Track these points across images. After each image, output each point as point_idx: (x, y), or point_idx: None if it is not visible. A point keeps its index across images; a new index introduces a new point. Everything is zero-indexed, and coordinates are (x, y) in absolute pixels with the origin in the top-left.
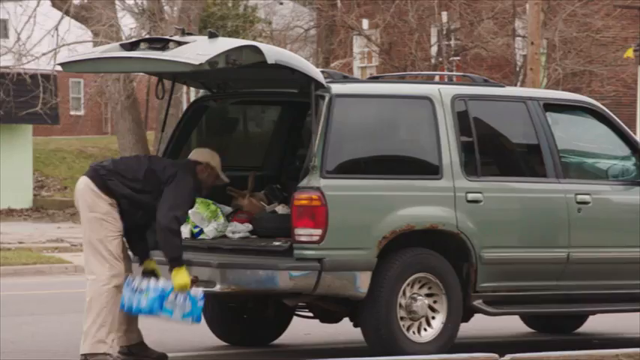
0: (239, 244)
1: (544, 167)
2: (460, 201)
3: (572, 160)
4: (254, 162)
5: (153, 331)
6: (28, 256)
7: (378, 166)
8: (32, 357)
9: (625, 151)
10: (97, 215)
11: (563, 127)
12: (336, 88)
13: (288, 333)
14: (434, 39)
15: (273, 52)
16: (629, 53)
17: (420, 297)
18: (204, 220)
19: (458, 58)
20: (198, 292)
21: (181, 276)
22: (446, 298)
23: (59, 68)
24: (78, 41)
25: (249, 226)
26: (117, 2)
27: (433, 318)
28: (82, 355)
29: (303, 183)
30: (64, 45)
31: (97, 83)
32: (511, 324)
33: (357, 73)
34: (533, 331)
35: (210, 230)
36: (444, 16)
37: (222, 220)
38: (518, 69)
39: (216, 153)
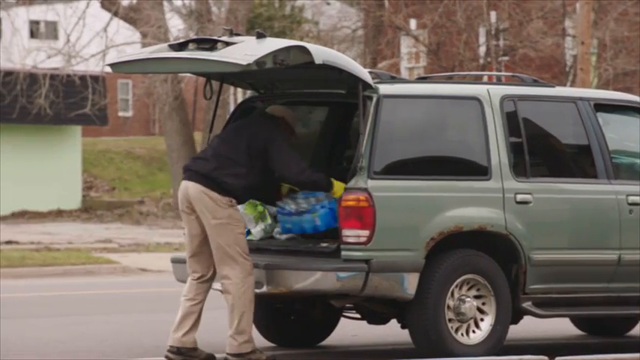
0: (286, 245)
1: (595, 168)
2: (509, 202)
3: (623, 160)
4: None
5: (200, 332)
6: (77, 256)
7: (425, 166)
8: (81, 357)
9: None
10: (221, 221)
11: (614, 128)
12: (384, 88)
13: (336, 334)
14: (482, 39)
15: (320, 52)
16: None
17: (469, 299)
18: (252, 221)
19: (506, 58)
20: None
21: (338, 186)
22: (494, 300)
23: (108, 69)
24: (126, 42)
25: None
26: (165, 3)
27: (482, 320)
28: (229, 354)
29: (351, 184)
30: (112, 46)
31: (145, 84)
32: (561, 326)
33: (404, 74)
34: (583, 333)
35: (257, 231)
36: (493, 15)
37: (269, 221)
38: (568, 69)
39: (290, 109)
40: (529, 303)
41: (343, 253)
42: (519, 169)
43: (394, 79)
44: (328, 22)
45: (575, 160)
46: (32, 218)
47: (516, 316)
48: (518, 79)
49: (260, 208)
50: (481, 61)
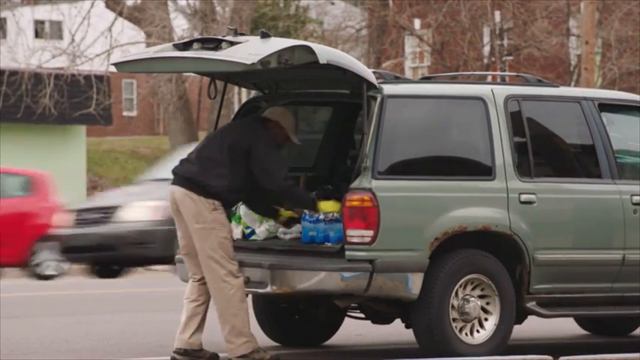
0: (290, 245)
1: (599, 168)
2: (513, 202)
3: (627, 160)
4: (305, 163)
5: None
6: None
7: (430, 167)
8: (85, 356)
9: None
10: (204, 226)
11: (618, 128)
12: (388, 88)
13: (340, 334)
14: (486, 39)
15: (325, 52)
16: None
17: (473, 298)
18: (256, 220)
19: (511, 57)
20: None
21: (325, 205)
22: (499, 300)
23: (113, 69)
24: (131, 42)
25: (301, 227)
26: (169, 3)
27: (486, 320)
28: (232, 358)
29: (355, 184)
30: (117, 46)
31: (150, 84)
32: (565, 326)
33: (408, 74)
34: (587, 333)
35: (261, 231)
36: (497, 15)
37: (273, 221)
38: (572, 69)
39: (292, 114)
40: (533, 303)
41: (347, 253)
42: (523, 169)
43: (398, 79)
44: (332, 22)
45: (580, 160)
46: None
47: (520, 316)
48: (523, 78)
49: None
50: (485, 60)
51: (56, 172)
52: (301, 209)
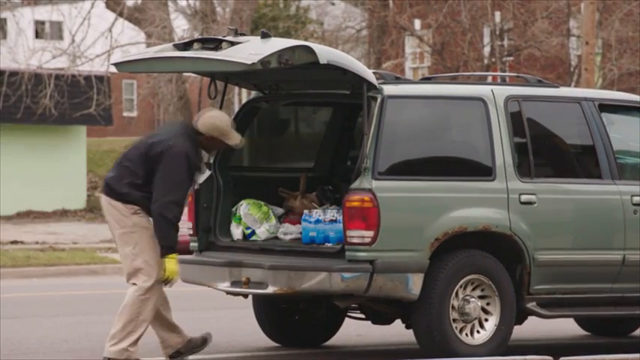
0: (291, 246)
1: (599, 168)
2: (513, 202)
3: (628, 161)
4: (306, 163)
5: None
6: (82, 256)
7: (430, 167)
8: (85, 357)
9: None
10: (125, 230)
11: (618, 128)
12: (388, 89)
13: (340, 334)
14: (487, 39)
15: (325, 52)
16: None
17: (473, 299)
18: (256, 221)
19: (511, 58)
20: None
21: (171, 264)
22: (499, 300)
23: (113, 70)
24: (131, 43)
25: (301, 228)
26: (170, 4)
27: (486, 320)
28: (105, 357)
29: (355, 184)
30: (117, 46)
31: (150, 84)
32: (565, 326)
33: (409, 74)
34: (587, 333)
35: (262, 232)
36: (497, 16)
37: (273, 221)
38: (572, 69)
39: (223, 116)
40: (533, 303)
41: (348, 253)
42: (524, 169)
43: (398, 80)
44: (333, 23)
45: (580, 161)
46: (37, 218)
47: (521, 317)
48: (523, 79)
49: (264, 208)
50: (485, 61)
51: (56, 173)
52: (160, 242)
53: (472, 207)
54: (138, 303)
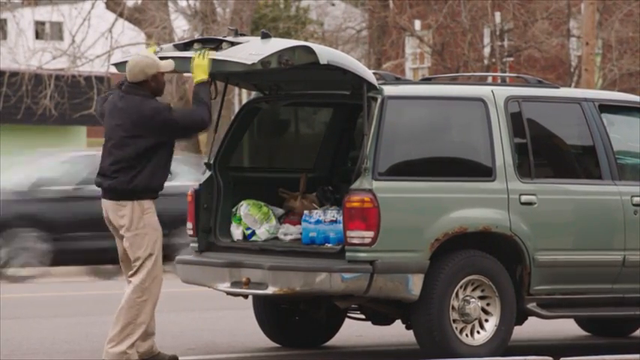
0: (291, 246)
1: (599, 169)
2: (514, 203)
3: (628, 161)
4: (306, 164)
5: (205, 332)
6: None
7: (430, 168)
8: (85, 357)
9: None
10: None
11: (618, 129)
12: (389, 89)
13: (340, 335)
14: (487, 40)
15: (325, 53)
16: None
17: (473, 299)
18: (257, 222)
19: (511, 58)
20: None
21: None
22: (499, 301)
23: (113, 70)
24: (131, 43)
25: (301, 228)
26: (170, 4)
27: (486, 321)
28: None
29: (355, 185)
30: (117, 47)
31: None
32: (566, 327)
33: (409, 75)
34: (588, 334)
35: (262, 232)
36: (497, 16)
37: (274, 222)
38: (572, 70)
39: (138, 56)
40: (533, 304)
41: (348, 254)
42: (524, 170)
43: (399, 80)
44: (333, 23)
45: (580, 161)
46: None
47: (521, 317)
48: (523, 79)
49: (265, 209)
50: (485, 61)
51: None
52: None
53: (472, 207)
54: (136, 306)
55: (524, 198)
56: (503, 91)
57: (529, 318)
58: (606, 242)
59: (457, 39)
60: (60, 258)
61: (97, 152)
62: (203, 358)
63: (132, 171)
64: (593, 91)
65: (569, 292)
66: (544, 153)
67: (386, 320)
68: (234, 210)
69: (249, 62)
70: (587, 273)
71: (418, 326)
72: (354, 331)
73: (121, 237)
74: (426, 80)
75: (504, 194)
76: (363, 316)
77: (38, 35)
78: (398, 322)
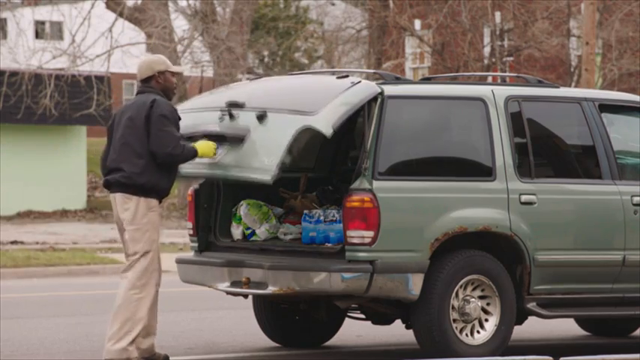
0: (291, 246)
1: (599, 169)
2: (514, 203)
3: (628, 161)
4: (306, 163)
5: (205, 332)
6: (82, 256)
7: (430, 167)
8: (85, 357)
9: None
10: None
11: (618, 128)
12: (389, 89)
13: (340, 334)
14: (487, 39)
15: (325, 121)
16: None
17: (473, 299)
18: (256, 221)
19: (511, 58)
20: None
21: (204, 146)
22: (499, 301)
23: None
24: (131, 43)
25: (301, 228)
26: (170, 4)
27: (486, 320)
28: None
29: (355, 185)
30: (117, 47)
31: None
32: (565, 327)
33: (409, 74)
34: (587, 333)
35: (262, 232)
36: (498, 16)
37: (274, 221)
38: (572, 69)
39: (151, 55)
40: (533, 303)
41: (348, 253)
42: (524, 169)
43: (399, 80)
44: (333, 23)
45: (580, 161)
46: (37, 218)
47: (521, 317)
48: (523, 79)
49: (265, 208)
50: (486, 61)
51: (57, 173)
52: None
53: (472, 207)
54: (133, 302)
55: (524, 198)
56: (504, 91)
57: (529, 318)
58: (606, 242)
59: (457, 39)
60: None
61: None
62: (203, 358)
63: (143, 167)
64: (593, 91)
65: (569, 291)
66: (544, 153)
67: (386, 320)
68: (234, 210)
69: (269, 177)
70: (587, 273)
71: (418, 326)
72: (354, 330)
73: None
74: (426, 80)
75: (504, 194)
76: (363, 316)
77: (38, 35)
78: (398, 322)
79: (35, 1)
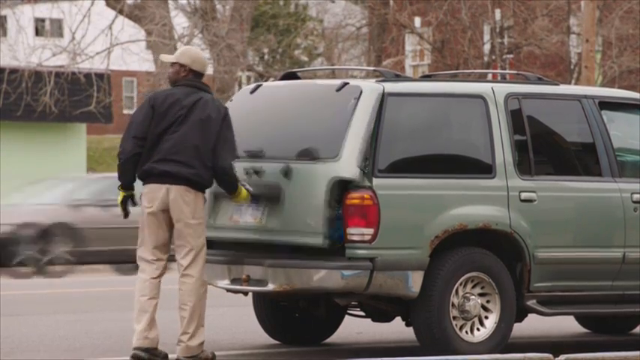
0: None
1: (599, 166)
2: (513, 200)
3: (628, 158)
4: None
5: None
6: None
7: (430, 165)
8: (86, 354)
9: None
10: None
11: (618, 126)
12: (389, 86)
13: (340, 332)
14: (487, 37)
15: (353, 169)
16: None
17: (473, 296)
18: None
19: (511, 55)
20: None
21: (240, 194)
22: (499, 298)
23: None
24: (131, 40)
25: None
26: (170, 1)
27: (486, 318)
28: (185, 357)
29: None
30: (117, 44)
31: (150, 82)
32: (565, 324)
33: (409, 72)
34: (587, 331)
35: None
36: (498, 13)
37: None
38: (572, 67)
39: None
40: (533, 301)
41: (347, 251)
42: (524, 167)
43: (399, 78)
44: (333, 20)
45: (580, 158)
46: None
47: (521, 314)
48: (523, 77)
49: None
50: (486, 58)
51: (56, 170)
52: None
53: (472, 205)
54: (202, 297)
55: (524, 195)
56: (503, 88)
57: (529, 315)
58: (606, 239)
59: (457, 36)
60: None
61: None
62: None
63: (210, 169)
64: (593, 89)
65: (569, 289)
66: (544, 150)
67: (386, 317)
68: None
69: (321, 241)
70: (587, 270)
71: (418, 323)
72: (354, 328)
73: (168, 223)
74: (426, 77)
75: (504, 191)
76: (362, 314)
77: (38, 32)
78: (398, 320)
79: None
